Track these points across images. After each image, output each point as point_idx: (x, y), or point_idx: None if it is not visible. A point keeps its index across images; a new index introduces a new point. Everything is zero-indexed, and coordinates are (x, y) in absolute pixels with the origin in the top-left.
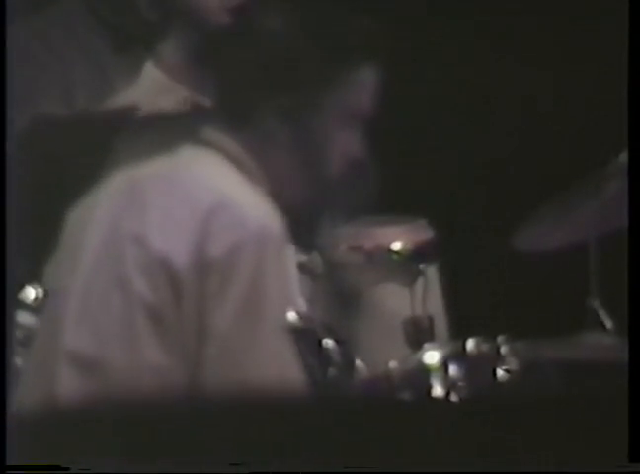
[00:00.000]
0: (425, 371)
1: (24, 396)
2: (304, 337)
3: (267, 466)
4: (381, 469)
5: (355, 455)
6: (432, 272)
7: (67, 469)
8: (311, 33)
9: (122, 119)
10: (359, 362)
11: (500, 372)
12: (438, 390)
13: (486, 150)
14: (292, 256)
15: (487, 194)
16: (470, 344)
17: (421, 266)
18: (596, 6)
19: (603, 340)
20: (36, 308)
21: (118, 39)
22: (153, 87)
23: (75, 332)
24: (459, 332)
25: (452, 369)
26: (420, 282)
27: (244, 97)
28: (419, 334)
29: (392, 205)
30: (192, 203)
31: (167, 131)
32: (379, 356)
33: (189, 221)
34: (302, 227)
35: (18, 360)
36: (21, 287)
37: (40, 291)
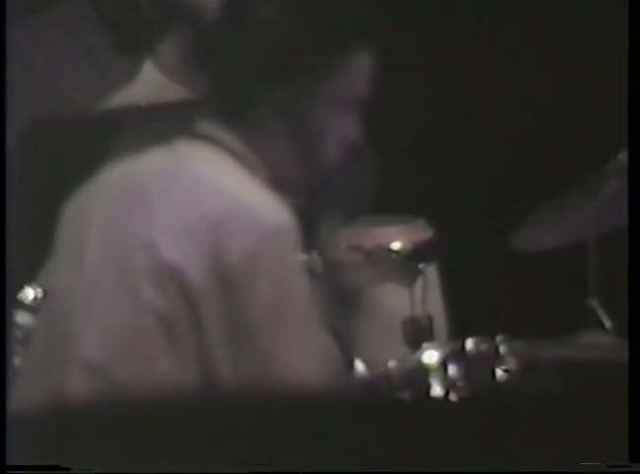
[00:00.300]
0: (424, 371)
1: (23, 396)
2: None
3: (267, 466)
4: (381, 469)
5: (354, 455)
6: (431, 271)
7: (67, 469)
8: (305, 19)
9: (122, 118)
10: (358, 362)
11: (499, 372)
12: (437, 390)
13: (485, 149)
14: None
15: (486, 193)
16: (469, 343)
17: (420, 265)
18: (596, 6)
19: (602, 339)
20: (35, 308)
21: (119, 39)
22: (152, 86)
23: (83, 336)
24: (458, 331)
25: (451, 369)
26: (419, 282)
27: (241, 90)
28: (418, 333)
29: (391, 205)
30: (201, 207)
31: (164, 126)
32: (378, 356)
33: (200, 228)
34: (302, 226)
35: (17, 361)
36: (20, 287)
37: (40, 291)
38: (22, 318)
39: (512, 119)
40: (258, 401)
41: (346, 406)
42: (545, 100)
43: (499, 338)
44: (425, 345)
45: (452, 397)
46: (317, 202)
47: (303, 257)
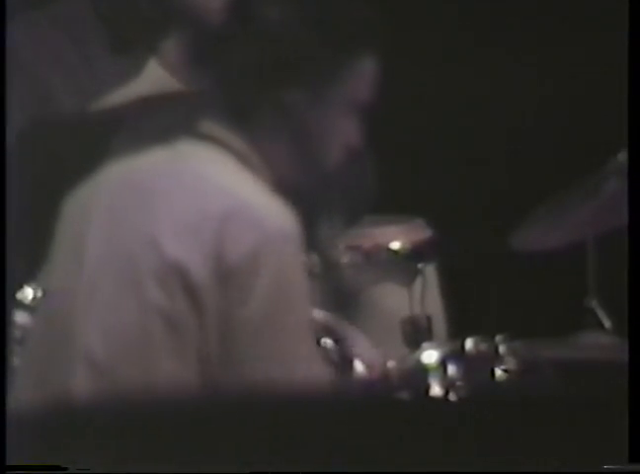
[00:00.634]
0: (423, 371)
1: (21, 396)
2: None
3: (267, 466)
4: (380, 469)
5: (353, 455)
6: (430, 271)
7: (67, 469)
8: (310, 23)
9: (124, 116)
10: (357, 362)
11: (498, 372)
12: (436, 389)
13: (485, 149)
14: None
15: (485, 193)
16: (469, 343)
17: (419, 265)
18: (596, 6)
19: (602, 339)
20: (34, 308)
21: (118, 38)
22: (156, 84)
23: (85, 335)
24: (458, 331)
25: (451, 369)
26: (418, 282)
27: (246, 92)
28: (417, 333)
29: (390, 205)
30: (204, 207)
31: (167, 124)
32: (378, 356)
33: (202, 228)
34: (301, 227)
35: (16, 360)
36: (19, 287)
37: (39, 291)
38: (21, 318)
39: (511, 120)
40: (258, 401)
41: (345, 406)
42: (545, 100)
43: (498, 338)
44: (424, 345)
45: (452, 397)
46: (317, 203)
47: (303, 256)
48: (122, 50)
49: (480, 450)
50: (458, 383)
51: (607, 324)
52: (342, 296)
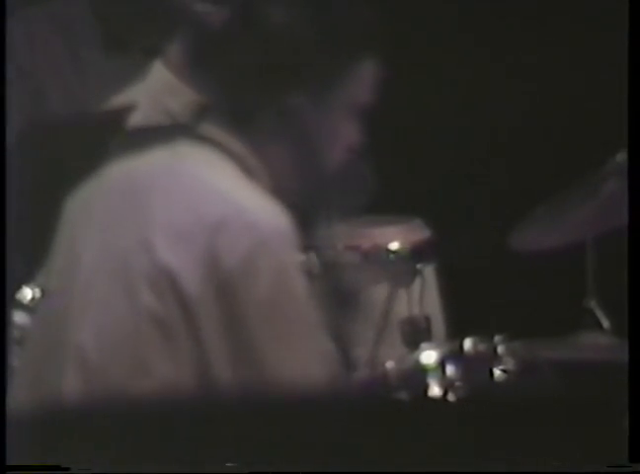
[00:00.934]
0: (422, 371)
1: (19, 396)
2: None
3: (267, 466)
4: (380, 469)
5: (353, 455)
6: (429, 271)
7: (67, 469)
8: (311, 27)
9: (125, 118)
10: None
11: (497, 372)
12: (435, 390)
13: (484, 149)
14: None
15: (484, 193)
16: (467, 343)
17: (418, 265)
18: (596, 6)
19: (600, 340)
20: (33, 308)
21: (114, 38)
22: (161, 87)
23: (79, 336)
24: (456, 332)
25: (449, 369)
26: (417, 282)
27: (246, 95)
28: (416, 334)
29: (389, 205)
30: (199, 209)
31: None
32: (376, 356)
33: (197, 231)
34: (299, 227)
35: (14, 360)
36: (18, 287)
37: (38, 291)
38: (20, 318)
39: (511, 120)
40: (256, 402)
41: (344, 406)
42: (545, 100)
43: (497, 338)
44: (423, 345)
45: (450, 397)
46: (315, 203)
47: (301, 258)
48: (119, 51)
49: (479, 450)
50: (457, 383)
51: (606, 324)
52: (341, 296)
